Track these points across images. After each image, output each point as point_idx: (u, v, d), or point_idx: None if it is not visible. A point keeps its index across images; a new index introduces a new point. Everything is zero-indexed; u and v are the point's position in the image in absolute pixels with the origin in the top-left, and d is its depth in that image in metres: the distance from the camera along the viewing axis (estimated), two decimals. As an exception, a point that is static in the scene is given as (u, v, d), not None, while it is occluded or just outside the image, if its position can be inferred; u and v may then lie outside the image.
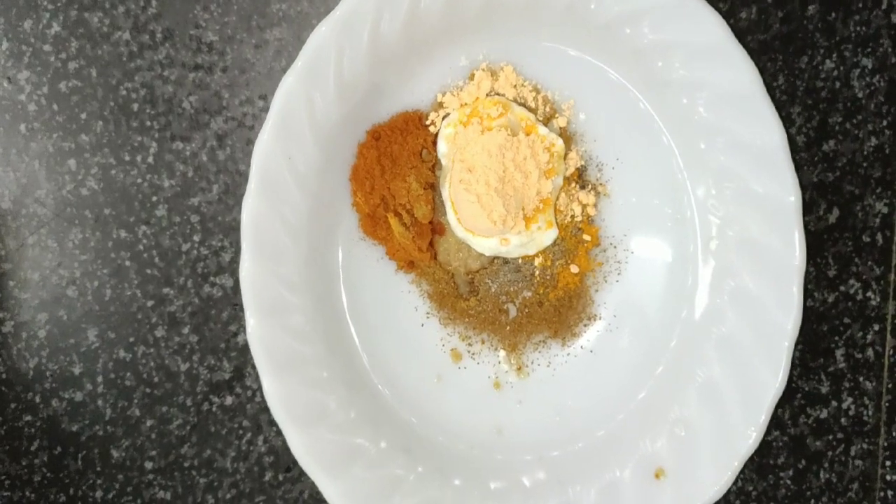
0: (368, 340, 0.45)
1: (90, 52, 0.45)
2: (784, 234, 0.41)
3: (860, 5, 0.45)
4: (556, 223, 0.44)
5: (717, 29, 0.41)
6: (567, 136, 0.45)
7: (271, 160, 0.41)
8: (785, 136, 0.41)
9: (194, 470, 0.46)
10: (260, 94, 0.45)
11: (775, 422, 0.43)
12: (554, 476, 0.44)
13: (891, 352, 0.46)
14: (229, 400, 0.46)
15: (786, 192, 0.41)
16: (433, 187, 0.44)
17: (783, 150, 0.41)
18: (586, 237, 0.45)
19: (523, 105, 0.44)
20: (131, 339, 0.46)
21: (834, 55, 0.45)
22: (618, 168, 0.45)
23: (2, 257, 0.45)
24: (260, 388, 0.46)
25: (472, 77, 0.44)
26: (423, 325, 0.46)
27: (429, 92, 0.44)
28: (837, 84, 0.45)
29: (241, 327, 0.46)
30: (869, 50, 0.45)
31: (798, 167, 0.42)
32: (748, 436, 0.42)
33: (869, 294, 0.46)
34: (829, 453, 0.47)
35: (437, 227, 0.45)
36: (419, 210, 0.43)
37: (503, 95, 0.44)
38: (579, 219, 0.45)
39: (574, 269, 0.45)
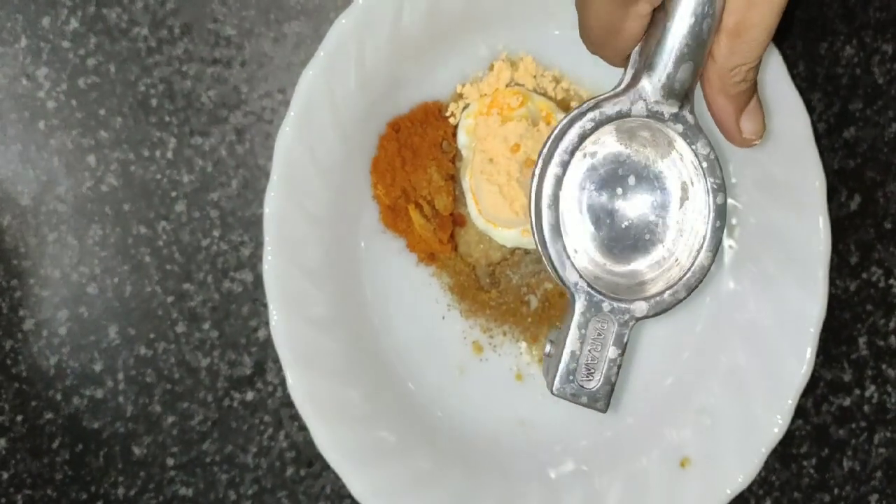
0: (390, 333, 0.45)
1: (109, 48, 0.45)
2: (809, 219, 0.41)
3: (879, -9, 0.45)
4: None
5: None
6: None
7: (293, 153, 0.41)
8: (809, 121, 0.41)
9: (216, 466, 0.46)
10: (279, 88, 0.45)
11: (798, 411, 0.43)
12: (581, 467, 0.44)
13: (913, 339, 0.46)
14: (250, 395, 0.46)
15: (811, 178, 0.41)
16: (454, 179, 0.44)
17: (808, 136, 0.41)
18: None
19: (543, 95, 0.44)
20: (152, 336, 0.46)
21: (854, 41, 0.45)
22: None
23: (22, 255, 0.45)
24: (281, 383, 0.46)
25: (491, 68, 0.44)
26: (444, 317, 0.46)
27: (448, 83, 0.44)
28: (858, 70, 0.45)
29: (262, 322, 0.46)
30: (889, 35, 0.45)
31: (819, 154, 0.42)
32: (774, 423, 0.42)
33: (891, 281, 0.46)
34: (853, 441, 0.47)
35: (457, 219, 0.45)
36: (440, 201, 0.43)
37: (523, 86, 0.44)
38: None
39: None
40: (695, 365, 0.44)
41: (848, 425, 0.46)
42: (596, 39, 0.34)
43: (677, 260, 0.36)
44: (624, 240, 0.36)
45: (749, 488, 0.43)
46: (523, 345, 0.46)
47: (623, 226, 0.36)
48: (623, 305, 0.35)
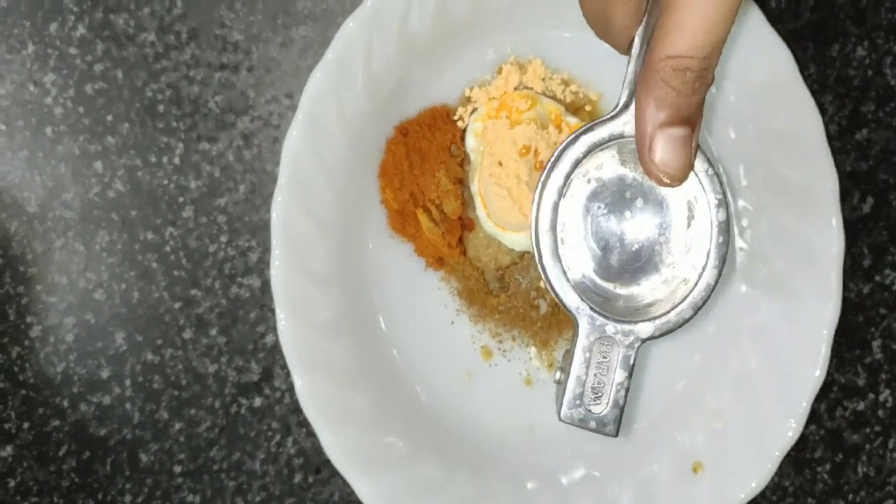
0: (398, 339, 0.45)
1: (116, 54, 0.45)
2: (821, 220, 0.41)
3: (890, -8, 0.45)
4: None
5: (751, 15, 0.40)
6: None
7: (301, 157, 0.41)
8: (822, 123, 0.41)
9: (223, 473, 0.46)
10: (286, 93, 0.45)
11: (811, 415, 0.43)
12: (592, 472, 0.44)
13: (928, 342, 0.46)
14: (258, 401, 0.46)
15: (823, 179, 0.41)
16: (462, 182, 0.44)
17: (820, 136, 0.41)
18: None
19: (552, 98, 0.44)
20: (159, 342, 0.46)
21: (865, 43, 0.45)
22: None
23: (29, 261, 0.45)
24: (289, 389, 0.45)
25: (500, 71, 0.44)
26: (452, 322, 0.45)
27: (456, 87, 0.44)
28: (869, 72, 0.45)
29: (269, 328, 0.46)
30: (900, 36, 0.45)
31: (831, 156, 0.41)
32: (788, 427, 0.41)
33: (905, 284, 0.46)
34: (867, 446, 0.46)
35: (466, 223, 0.44)
36: (448, 205, 0.43)
37: (531, 89, 0.44)
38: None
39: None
40: (706, 369, 0.44)
41: (862, 430, 0.46)
42: (593, 27, 0.34)
43: (684, 279, 0.36)
44: (633, 263, 0.36)
45: (762, 494, 0.43)
46: (533, 350, 0.45)
47: (633, 249, 0.36)
48: (627, 327, 0.35)
